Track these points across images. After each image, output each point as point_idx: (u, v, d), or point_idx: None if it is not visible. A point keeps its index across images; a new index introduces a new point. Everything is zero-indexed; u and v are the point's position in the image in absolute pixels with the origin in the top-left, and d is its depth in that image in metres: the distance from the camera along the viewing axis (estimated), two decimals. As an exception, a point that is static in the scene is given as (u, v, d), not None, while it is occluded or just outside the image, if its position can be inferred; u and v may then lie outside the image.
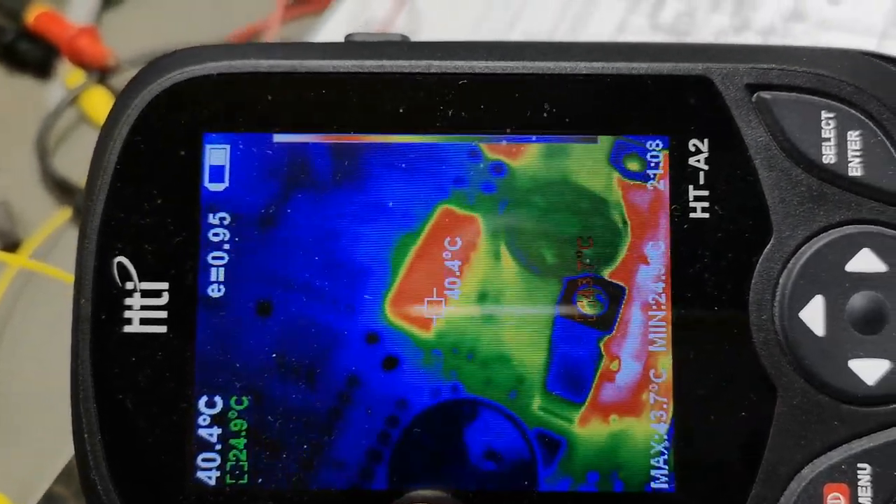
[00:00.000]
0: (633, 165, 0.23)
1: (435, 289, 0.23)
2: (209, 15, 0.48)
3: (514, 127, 0.23)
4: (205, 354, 0.22)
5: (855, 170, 0.22)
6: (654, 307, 0.22)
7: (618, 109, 0.23)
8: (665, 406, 0.22)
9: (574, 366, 0.22)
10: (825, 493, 0.21)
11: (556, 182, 0.23)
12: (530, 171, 0.23)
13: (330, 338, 0.23)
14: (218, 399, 0.22)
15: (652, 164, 0.23)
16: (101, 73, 0.44)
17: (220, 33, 0.47)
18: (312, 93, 0.23)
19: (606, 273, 0.23)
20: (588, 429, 0.22)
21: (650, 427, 0.22)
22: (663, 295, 0.22)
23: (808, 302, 0.22)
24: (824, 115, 0.22)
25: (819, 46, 0.24)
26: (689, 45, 0.24)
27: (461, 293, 0.23)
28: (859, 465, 0.21)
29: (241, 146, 0.23)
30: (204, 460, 0.22)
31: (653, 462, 0.22)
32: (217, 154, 0.23)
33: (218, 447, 0.22)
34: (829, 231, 0.22)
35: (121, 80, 0.45)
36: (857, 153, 0.22)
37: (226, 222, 0.23)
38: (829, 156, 0.22)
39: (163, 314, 0.22)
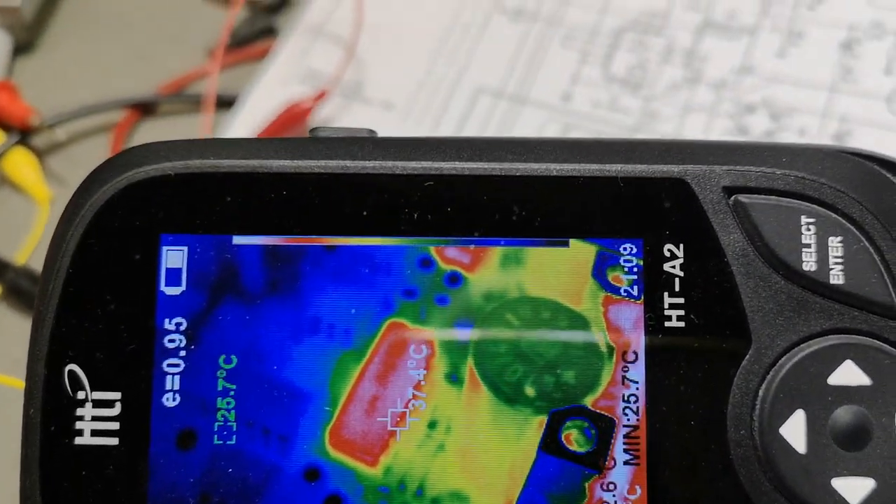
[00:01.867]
0: (614, 276, 0.22)
1: (383, 416, 0.22)
2: (133, 64, 0.46)
3: (482, 230, 0.22)
4: (159, 467, 0.21)
5: (837, 277, 0.21)
6: (628, 419, 0.21)
7: (590, 212, 0.22)
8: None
9: None
10: None
11: (521, 294, 0.22)
12: (490, 282, 0.22)
13: (263, 473, 0.21)
14: None
15: (626, 270, 0.22)
16: (22, 133, 0.41)
17: (147, 83, 0.44)
18: (273, 193, 0.22)
19: (590, 402, 0.21)
20: None
21: None
22: (638, 407, 0.21)
23: (788, 417, 0.21)
24: (804, 220, 0.22)
25: (799, 144, 0.23)
26: (665, 142, 0.23)
27: (413, 420, 0.22)
28: None
29: (198, 248, 0.22)
30: None
31: None
32: (174, 256, 0.22)
33: None
34: (810, 342, 0.21)
35: (43, 140, 0.42)
36: (839, 260, 0.22)
37: (182, 328, 0.22)
38: (809, 263, 0.22)
39: (115, 425, 0.21)
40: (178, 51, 0.46)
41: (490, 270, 0.22)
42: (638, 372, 0.21)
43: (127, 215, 0.22)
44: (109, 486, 0.21)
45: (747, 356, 0.21)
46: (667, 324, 0.21)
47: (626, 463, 0.21)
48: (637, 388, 0.21)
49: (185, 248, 0.22)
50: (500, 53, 0.42)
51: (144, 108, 0.44)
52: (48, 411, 0.21)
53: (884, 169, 0.23)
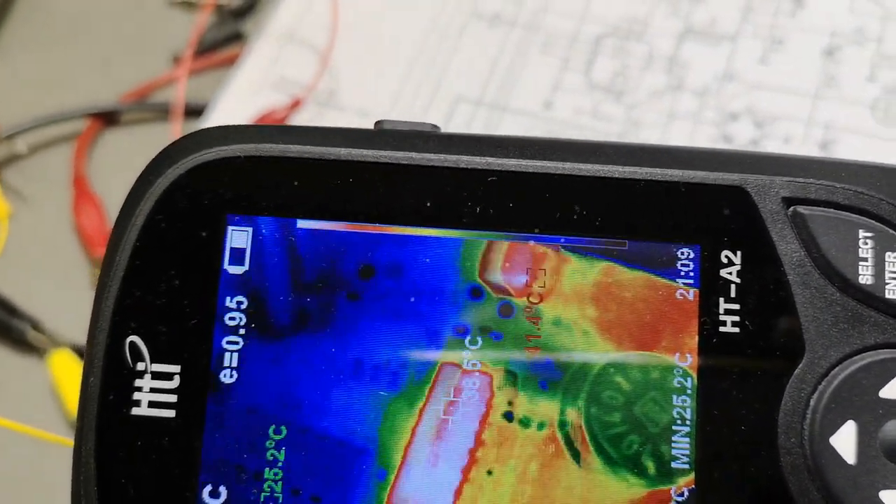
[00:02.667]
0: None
1: (446, 473, 0.21)
2: (95, 72, 0.44)
3: (541, 227, 0.22)
4: (213, 442, 0.21)
5: (892, 292, 0.22)
6: (679, 422, 0.21)
7: (650, 215, 0.22)
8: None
9: None
10: None
11: (585, 328, 0.22)
12: (543, 311, 0.22)
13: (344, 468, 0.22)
14: (223, 489, 0.21)
15: (682, 274, 0.22)
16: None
17: (110, 91, 0.42)
18: (339, 181, 0.22)
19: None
20: None
21: None
22: (689, 410, 0.21)
23: (839, 427, 0.21)
24: (862, 234, 0.22)
25: (859, 161, 0.23)
26: (726, 152, 0.23)
27: (480, 475, 0.21)
28: None
29: (263, 230, 0.22)
30: None
31: None
32: (239, 236, 0.22)
33: None
34: (864, 354, 0.21)
35: (1, 152, 0.40)
36: (895, 276, 0.22)
37: (243, 307, 0.22)
38: (866, 276, 0.22)
39: (172, 398, 0.21)
40: (142, 58, 0.44)
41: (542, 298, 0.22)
42: (690, 374, 0.22)
43: (195, 194, 0.22)
44: (163, 457, 0.21)
45: (800, 365, 0.21)
46: (721, 329, 0.22)
47: (675, 466, 0.21)
48: (688, 391, 0.21)
49: (251, 229, 0.22)
50: (479, 60, 0.41)
51: (108, 118, 0.42)
52: (107, 381, 0.21)
53: None
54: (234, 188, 0.22)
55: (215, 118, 0.41)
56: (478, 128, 0.40)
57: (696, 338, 0.22)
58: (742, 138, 0.38)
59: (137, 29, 0.45)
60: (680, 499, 0.21)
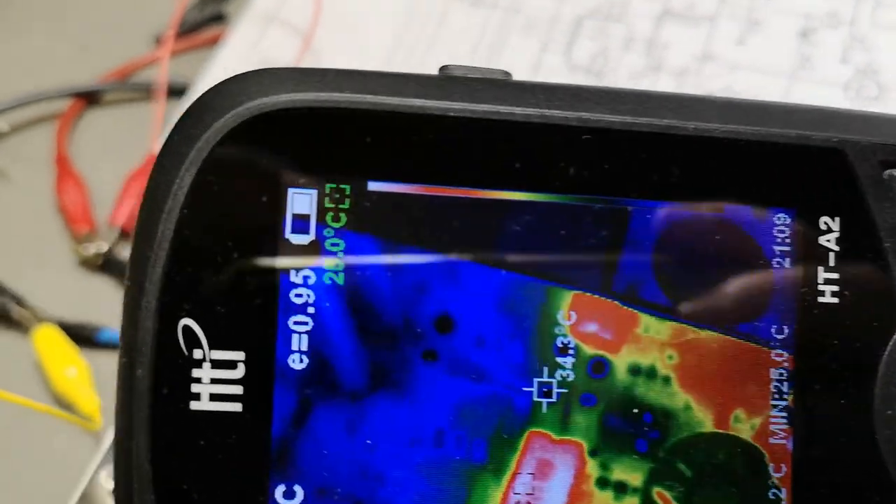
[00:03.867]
0: None
1: None
2: (76, 52, 0.44)
3: (638, 192, 0.20)
4: (285, 436, 0.19)
5: None
6: (777, 396, 0.21)
7: (746, 177, 0.21)
8: (783, 498, 0.21)
9: None
10: None
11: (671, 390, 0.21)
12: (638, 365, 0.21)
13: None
14: (298, 489, 0.19)
15: (778, 241, 0.21)
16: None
17: (91, 71, 0.42)
18: (414, 136, 0.19)
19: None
20: None
21: None
22: (786, 383, 0.21)
23: None
24: None
25: None
26: (824, 110, 0.22)
27: None
28: None
29: (329, 193, 0.19)
30: None
31: None
32: (301, 201, 0.19)
33: None
34: None
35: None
36: None
37: (310, 281, 0.19)
38: None
39: (237, 389, 0.19)
40: (123, 38, 0.44)
41: (636, 350, 0.20)
42: (787, 343, 0.21)
43: (249, 151, 0.19)
44: (229, 457, 0.19)
45: None
46: (820, 299, 0.21)
47: (773, 439, 0.21)
48: (785, 361, 0.21)
49: (314, 193, 0.19)
50: (461, 42, 0.42)
51: (90, 98, 0.42)
52: (159, 372, 0.19)
53: None
54: (293, 144, 0.19)
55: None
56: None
57: (796, 308, 0.21)
58: (719, 118, 0.38)
59: (118, 9, 0.45)
60: (777, 475, 0.21)
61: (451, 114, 0.19)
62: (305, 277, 0.19)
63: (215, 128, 0.19)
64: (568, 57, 0.41)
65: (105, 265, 0.36)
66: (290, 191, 0.19)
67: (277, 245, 0.19)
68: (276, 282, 0.19)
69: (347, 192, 0.19)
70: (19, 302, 0.34)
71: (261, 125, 0.19)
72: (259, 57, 0.42)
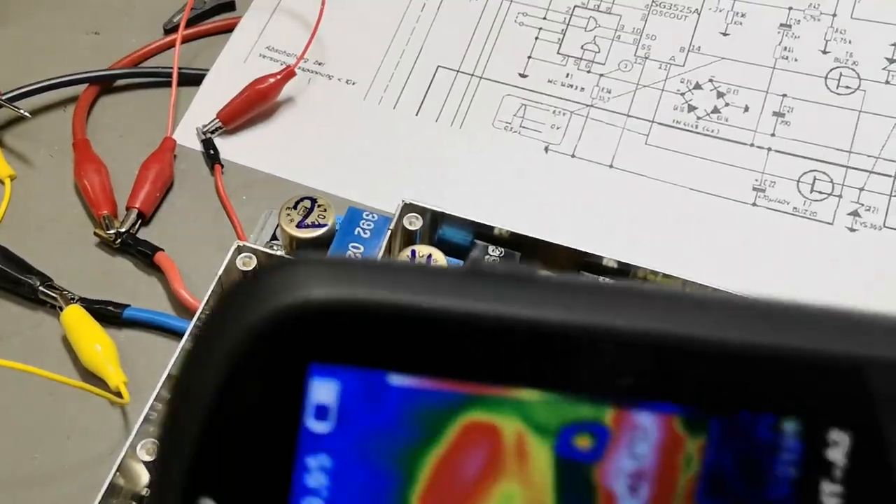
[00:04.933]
0: None
1: None
2: (90, 39, 0.45)
3: (645, 397, 0.20)
4: None
5: None
6: None
7: (757, 386, 0.20)
8: None
9: None
10: None
11: None
12: None
13: None
14: None
15: (784, 450, 0.21)
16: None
17: (104, 58, 0.44)
18: (436, 333, 0.20)
19: None
20: None
21: None
22: None
23: None
24: None
25: None
26: (846, 318, 0.21)
27: None
28: None
29: (351, 384, 0.20)
30: None
31: None
32: (324, 390, 0.21)
33: None
34: None
35: (4, 115, 0.42)
36: None
37: (326, 468, 0.20)
38: None
39: None
40: (136, 26, 0.46)
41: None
42: None
43: (277, 343, 0.20)
44: None
45: None
46: None
47: None
48: None
49: (337, 383, 0.20)
50: (458, 31, 0.44)
51: (104, 84, 0.44)
52: None
53: None
54: (319, 337, 0.20)
55: (207, 85, 0.43)
56: (455, 95, 0.42)
57: None
58: (705, 106, 0.40)
59: (129, -2, 0.47)
60: None
61: (478, 313, 0.20)
62: (322, 465, 0.20)
63: (246, 328, 0.20)
64: (559, 47, 0.42)
65: (124, 246, 0.38)
66: (314, 380, 0.20)
67: (296, 431, 0.20)
68: (291, 466, 0.20)
69: (370, 384, 0.20)
70: (48, 283, 0.36)
71: (288, 321, 0.20)
72: (267, 45, 0.44)
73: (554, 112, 0.41)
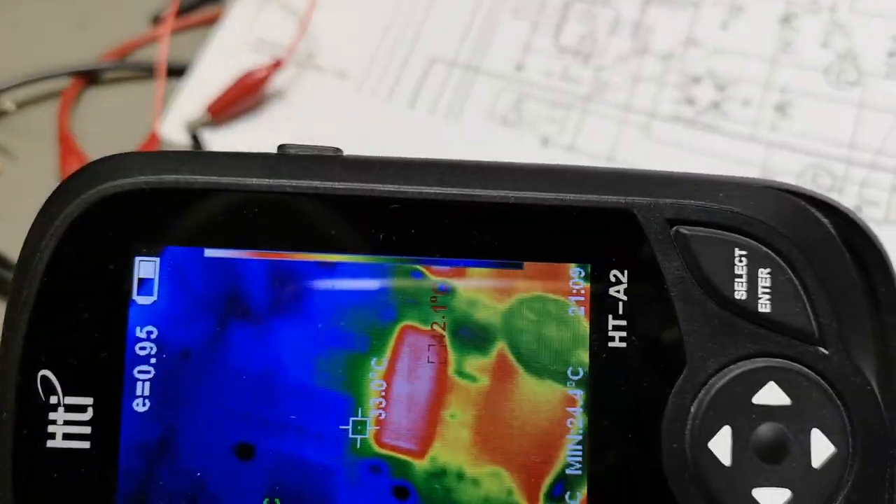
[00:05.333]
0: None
1: (415, 412, 0.23)
2: (76, 31, 0.44)
3: (443, 252, 0.23)
4: (129, 470, 0.22)
5: (764, 306, 0.23)
6: (572, 431, 0.23)
7: (542, 237, 0.23)
8: None
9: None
10: None
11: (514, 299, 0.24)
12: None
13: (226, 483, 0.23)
14: None
15: (574, 292, 0.23)
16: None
17: (91, 50, 0.43)
18: (246, 209, 0.23)
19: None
20: None
21: None
22: (581, 420, 0.23)
23: (716, 432, 0.23)
24: (737, 252, 0.23)
25: (736, 179, 0.25)
26: (615, 172, 0.24)
27: (445, 412, 0.23)
28: None
29: (170, 260, 0.23)
30: None
31: None
32: (146, 267, 0.23)
33: None
34: (739, 364, 0.23)
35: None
36: (767, 290, 0.23)
37: (153, 336, 0.22)
38: (740, 291, 0.23)
39: (86, 429, 0.22)
40: (122, 17, 0.45)
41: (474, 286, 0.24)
42: (582, 387, 0.23)
43: (101, 226, 0.22)
44: (81, 488, 0.22)
45: (682, 375, 0.23)
46: (610, 344, 0.23)
47: (569, 470, 0.23)
48: (581, 402, 0.23)
49: (158, 260, 0.22)
50: (453, 22, 0.43)
51: (90, 77, 0.43)
52: (20, 415, 0.22)
53: (810, 205, 0.25)
54: (139, 219, 0.22)
55: (195, 77, 0.42)
56: (451, 89, 0.41)
57: (587, 353, 0.23)
58: (704, 100, 0.40)
59: (116, -11, 0.45)
60: (573, 502, 0.23)
61: (277, 189, 0.23)
62: (149, 332, 0.22)
63: (72, 207, 0.22)
64: (557, 39, 0.42)
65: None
66: (137, 259, 0.23)
67: (125, 305, 0.22)
68: (123, 336, 0.22)
69: (188, 259, 0.23)
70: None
71: (111, 204, 0.22)
72: (256, 36, 0.43)
73: (552, 105, 0.41)
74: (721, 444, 0.23)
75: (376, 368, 0.23)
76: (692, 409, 0.23)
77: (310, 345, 0.23)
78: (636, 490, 0.23)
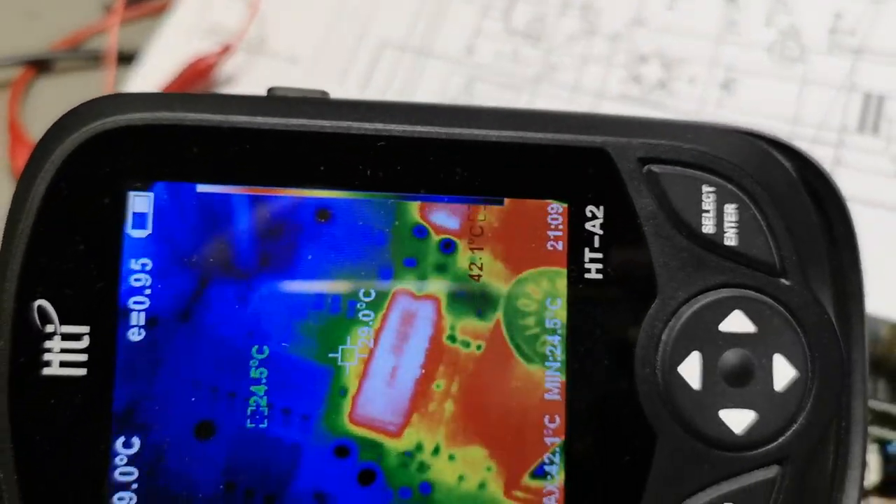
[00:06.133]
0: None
1: (400, 385, 0.24)
2: (25, 20, 0.44)
3: (427, 188, 0.24)
4: (124, 395, 0.23)
5: (730, 239, 0.25)
6: (551, 359, 0.24)
7: (521, 175, 0.24)
8: (557, 444, 0.24)
9: None
10: None
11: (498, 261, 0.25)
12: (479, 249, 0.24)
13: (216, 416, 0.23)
14: (135, 440, 0.23)
15: (552, 227, 0.24)
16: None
17: (41, 40, 0.43)
18: (237, 147, 0.23)
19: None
20: None
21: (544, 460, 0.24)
22: (559, 348, 0.24)
23: (685, 357, 0.24)
24: (705, 189, 0.25)
25: (705, 123, 0.26)
26: (590, 116, 0.26)
27: (431, 385, 0.24)
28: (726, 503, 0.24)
29: (164, 195, 0.23)
30: (120, 500, 0.22)
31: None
32: (140, 201, 0.23)
33: (134, 486, 0.23)
34: (707, 293, 0.25)
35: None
36: (733, 225, 0.25)
37: (147, 268, 0.23)
38: (708, 226, 0.25)
39: (83, 357, 0.23)
40: (72, 6, 0.45)
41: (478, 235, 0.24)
42: (560, 316, 0.24)
43: (96, 161, 0.23)
44: (77, 413, 0.22)
45: (654, 305, 0.24)
46: (586, 275, 0.24)
47: (548, 396, 0.24)
48: (558, 328, 0.24)
49: (152, 194, 0.23)
50: (403, 7, 0.43)
51: (40, 66, 0.43)
52: (17, 343, 0.22)
53: (773, 148, 0.26)
54: (133, 155, 0.23)
55: (147, 65, 0.42)
56: (402, 73, 0.42)
57: (566, 283, 0.24)
58: (651, 79, 0.40)
59: (67, -22, 0.45)
60: (552, 426, 0.24)
61: (267, 127, 0.24)
62: (143, 265, 0.23)
63: (67, 142, 0.23)
64: (507, 22, 0.42)
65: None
66: (131, 193, 0.23)
67: (120, 238, 0.23)
68: (118, 268, 0.23)
69: (180, 194, 0.23)
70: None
71: (106, 140, 0.23)
72: (207, 23, 0.43)
73: (501, 87, 0.41)
74: (690, 369, 0.24)
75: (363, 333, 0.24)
76: (663, 337, 0.24)
77: (293, 300, 0.23)
78: (611, 412, 0.24)
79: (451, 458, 0.23)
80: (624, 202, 0.24)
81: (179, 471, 0.23)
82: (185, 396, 0.23)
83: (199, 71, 0.40)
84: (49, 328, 0.22)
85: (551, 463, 0.24)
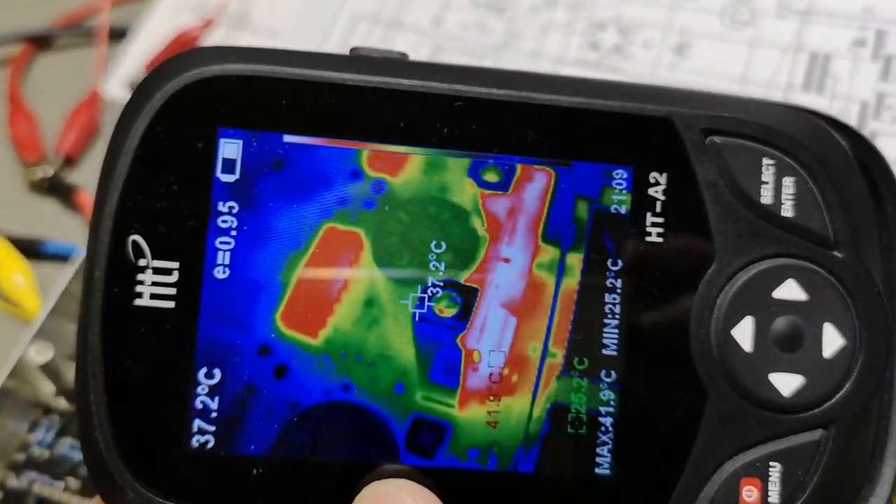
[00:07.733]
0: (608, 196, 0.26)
1: (322, 299, 0.25)
2: (23, 3, 0.48)
3: (500, 149, 0.25)
4: (208, 329, 0.24)
5: (787, 211, 0.26)
6: (610, 316, 0.25)
7: (591, 140, 0.26)
8: (612, 397, 0.25)
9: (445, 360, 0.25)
10: (741, 485, 0.25)
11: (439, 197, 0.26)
12: (407, 186, 0.25)
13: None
14: (217, 371, 0.24)
15: (617, 191, 0.26)
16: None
17: (42, 17, 0.46)
18: (322, 100, 0.25)
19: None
20: (468, 412, 0.25)
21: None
22: (618, 305, 0.25)
23: (739, 321, 0.25)
24: (765, 161, 0.26)
25: (766, 100, 0.27)
26: (658, 87, 0.27)
27: (345, 300, 0.25)
28: (771, 462, 0.25)
29: (253, 143, 0.25)
30: (200, 427, 0.24)
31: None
32: (230, 148, 0.24)
33: (213, 415, 0.24)
34: (762, 261, 0.26)
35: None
36: (790, 197, 0.26)
37: (234, 211, 0.24)
38: (766, 197, 0.26)
39: (172, 290, 0.24)
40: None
41: (410, 176, 0.25)
42: (620, 272, 0.25)
43: (192, 107, 0.24)
44: (164, 342, 0.24)
45: (711, 269, 0.25)
46: (647, 238, 0.25)
47: (606, 350, 0.25)
48: (619, 287, 0.25)
49: (241, 142, 0.24)
50: (376, -18, 0.46)
51: (41, 42, 0.46)
52: (112, 275, 0.24)
53: (831, 126, 0.27)
54: (227, 103, 0.24)
55: (138, 41, 0.45)
56: (375, 44, 0.44)
57: (628, 243, 0.25)
58: (607, 44, 0.42)
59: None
60: (609, 380, 0.25)
61: (352, 83, 0.25)
62: (231, 207, 0.24)
63: (167, 88, 0.24)
64: (473, -6, 0.44)
65: (51, 188, 0.40)
66: (222, 139, 0.24)
67: (210, 181, 0.24)
68: (207, 209, 0.24)
69: (267, 143, 0.25)
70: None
71: (202, 87, 0.24)
72: (195, 0, 0.46)
73: (466, 55, 0.43)
74: (743, 332, 0.25)
75: (298, 261, 0.25)
76: (718, 300, 0.25)
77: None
78: (666, 370, 0.25)
79: (372, 364, 0.25)
80: (686, 170, 0.25)
81: (256, 404, 0.24)
82: (264, 334, 0.24)
83: (183, 44, 0.43)
84: (142, 262, 0.24)
85: (606, 414, 0.25)
